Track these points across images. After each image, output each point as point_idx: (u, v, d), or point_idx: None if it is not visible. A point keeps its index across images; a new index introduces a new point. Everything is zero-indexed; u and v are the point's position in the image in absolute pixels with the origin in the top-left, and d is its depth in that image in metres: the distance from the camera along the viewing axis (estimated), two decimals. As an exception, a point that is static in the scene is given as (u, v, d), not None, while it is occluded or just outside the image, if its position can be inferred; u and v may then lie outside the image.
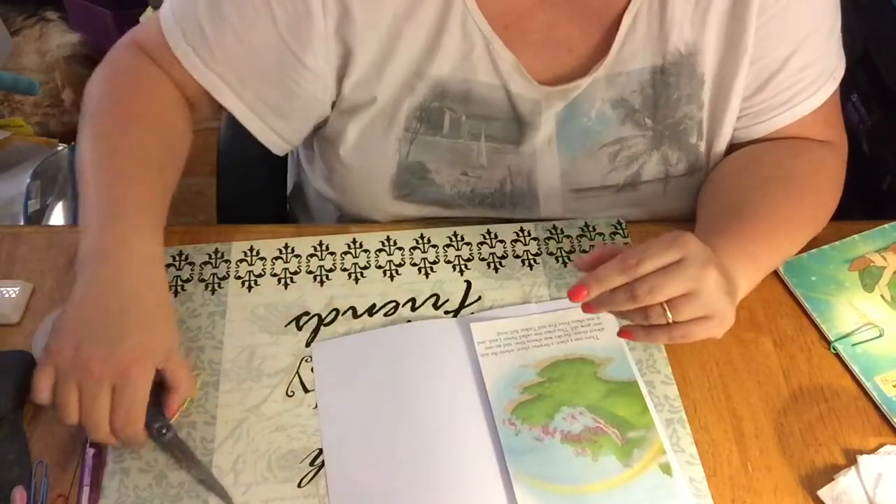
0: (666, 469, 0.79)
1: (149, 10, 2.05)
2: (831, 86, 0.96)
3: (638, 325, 0.77)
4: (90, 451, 0.79)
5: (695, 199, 0.99)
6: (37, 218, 1.76)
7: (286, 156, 1.28)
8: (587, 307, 0.77)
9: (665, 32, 0.90)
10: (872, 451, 0.81)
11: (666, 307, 0.74)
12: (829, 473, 0.80)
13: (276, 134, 0.96)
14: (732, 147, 0.99)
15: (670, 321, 0.74)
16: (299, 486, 0.78)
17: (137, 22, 1.16)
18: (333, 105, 0.95)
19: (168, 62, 0.91)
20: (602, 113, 0.94)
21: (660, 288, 0.73)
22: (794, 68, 0.93)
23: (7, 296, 0.91)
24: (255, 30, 0.87)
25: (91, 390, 0.74)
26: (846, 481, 0.78)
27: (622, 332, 0.78)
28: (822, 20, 0.93)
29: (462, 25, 0.88)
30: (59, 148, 1.88)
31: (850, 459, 0.80)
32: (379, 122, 0.94)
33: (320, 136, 1.00)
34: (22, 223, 1.67)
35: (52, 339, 0.77)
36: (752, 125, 0.97)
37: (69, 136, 2.17)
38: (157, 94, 0.91)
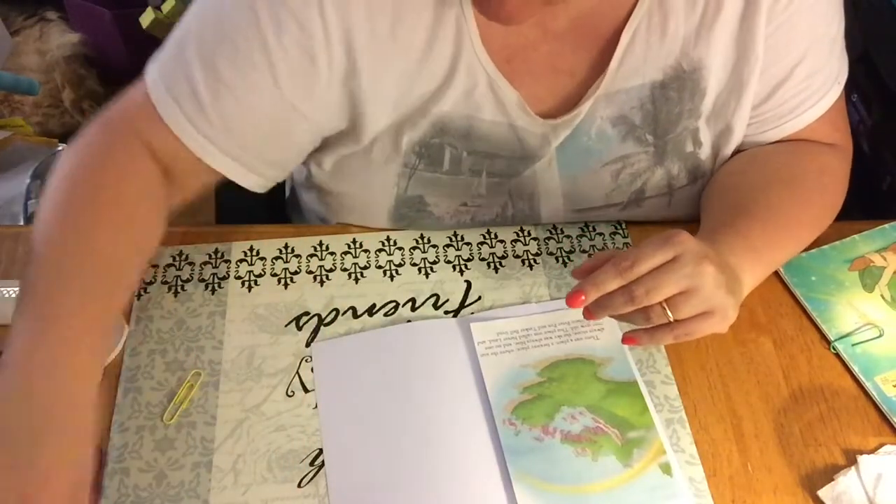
0: (666, 469, 0.79)
1: (149, 10, 2.05)
2: (837, 90, 0.96)
3: (641, 329, 0.77)
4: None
5: (699, 205, 0.98)
6: (37, 218, 1.76)
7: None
8: (587, 313, 0.77)
9: (666, 48, 0.88)
10: (872, 451, 0.81)
11: (666, 306, 0.74)
12: (829, 473, 0.80)
13: (265, 178, 0.91)
14: (737, 150, 0.99)
15: (671, 320, 0.74)
16: (299, 485, 0.78)
17: (137, 22, 1.16)
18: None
19: (155, 132, 0.83)
20: (602, 131, 0.92)
21: (657, 287, 0.73)
22: (800, 76, 0.92)
23: (7, 296, 0.91)
24: (255, 89, 0.82)
25: None
26: (846, 481, 0.78)
27: (626, 339, 0.78)
28: (827, 27, 0.92)
29: (467, 64, 0.85)
30: (59, 148, 1.88)
31: (850, 459, 0.80)
32: (378, 155, 0.92)
33: (315, 161, 0.97)
34: (22, 223, 1.67)
35: None
36: (761, 132, 0.97)
37: (69, 136, 2.14)
38: (131, 178, 0.83)
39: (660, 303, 0.74)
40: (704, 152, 0.96)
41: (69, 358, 0.70)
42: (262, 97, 0.82)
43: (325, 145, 0.93)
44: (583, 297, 0.75)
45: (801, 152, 0.96)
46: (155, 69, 0.84)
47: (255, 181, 0.90)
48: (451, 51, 0.84)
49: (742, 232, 0.85)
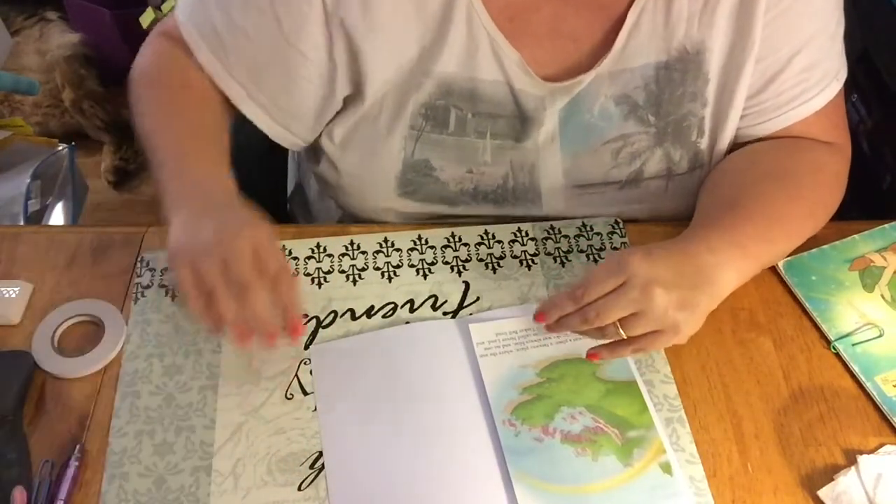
0: (666, 468, 0.79)
1: (149, 9, 2.05)
2: (835, 87, 0.96)
3: (601, 345, 0.84)
4: (73, 465, 0.78)
5: (694, 200, 0.98)
6: (37, 218, 1.76)
7: (286, 157, 1.28)
8: (549, 328, 0.85)
9: (671, 28, 0.90)
10: (872, 451, 0.81)
11: (618, 325, 0.80)
12: (829, 473, 0.80)
13: (293, 134, 0.98)
14: (735, 146, 0.99)
15: (625, 337, 0.81)
16: (299, 489, 0.78)
17: (137, 22, 1.16)
18: (345, 100, 0.96)
19: (195, 63, 0.94)
20: (605, 109, 0.94)
21: (606, 311, 0.80)
22: (797, 68, 0.93)
23: (7, 296, 0.91)
24: (262, 32, 0.89)
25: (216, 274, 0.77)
26: (846, 481, 0.78)
27: (589, 355, 0.85)
28: (826, 21, 0.93)
29: (468, 22, 0.88)
30: (59, 148, 1.88)
31: (850, 459, 0.80)
32: (385, 119, 0.94)
33: (327, 133, 0.99)
34: (22, 223, 1.67)
35: (170, 262, 0.81)
36: (756, 124, 0.97)
37: (69, 136, 2.17)
38: (195, 80, 0.95)
39: (613, 323, 0.80)
40: (705, 142, 0.97)
41: (218, 182, 0.87)
42: (269, 39, 0.89)
43: (335, 116, 0.97)
44: (544, 318, 0.84)
45: (795, 149, 0.96)
46: (184, 11, 0.94)
47: (279, 133, 0.97)
48: (444, 2, 0.87)
49: (728, 227, 0.87)
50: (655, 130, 0.96)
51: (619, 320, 0.80)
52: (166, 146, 0.90)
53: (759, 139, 0.98)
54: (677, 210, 1.01)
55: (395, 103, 0.93)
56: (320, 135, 1.00)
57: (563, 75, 0.92)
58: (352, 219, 1.06)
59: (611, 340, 0.83)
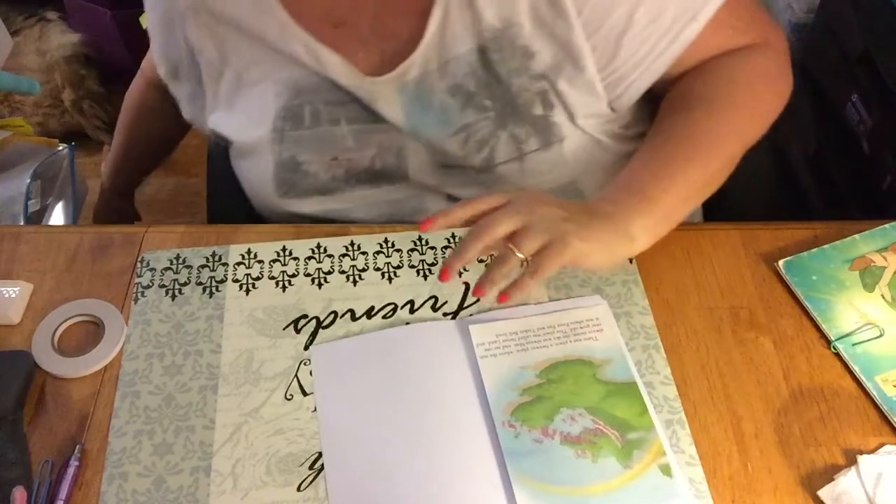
0: (666, 470, 0.79)
1: (148, 9, 2.05)
2: (710, 8, 0.91)
3: (508, 287, 0.81)
4: (73, 465, 0.79)
5: (559, 173, 0.99)
6: (37, 218, 1.76)
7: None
8: (445, 272, 0.82)
9: (477, 11, 0.89)
10: (872, 451, 0.81)
11: (513, 248, 0.80)
12: (829, 473, 0.80)
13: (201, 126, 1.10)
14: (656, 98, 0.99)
15: (521, 257, 0.80)
16: (299, 489, 0.78)
17: (137, 22, 1.19)
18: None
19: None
20: (444, 103, 0.95)
21: (494, 222, 0.80)
22: (642, 22, 0.90)
23: (7, 296, 0.91)
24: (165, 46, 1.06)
25: None
26: (846, 481, 0.78)
27: (500, 299, 0.82)
28: None
29: (284, 37, 0.94)
30: (59, 148, 1.87)
31: (850, 459, 0.80)
32: (252, 127, 1.01)
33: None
34: (22, 223, 1.67)
35: None
36: (647, 69, 0.95)
37: (69, 136, 2.17)
38: (138, 96, 1.32)
39: (507, 247, 0.80)
40: (559, 115, 0.96)
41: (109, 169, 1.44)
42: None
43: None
44: (431, 223, 0.82)
45: (702, 73, 0.96)
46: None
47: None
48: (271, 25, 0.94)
49: (624, 176, 0.89)
50: (494, 114, 0.96)
51: (512, 243, 0.80)
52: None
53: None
54: (544, 186, 1.00)
55: (257, 112, 1.00)
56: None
57: (387, 69, 0.95)
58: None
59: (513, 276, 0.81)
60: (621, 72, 0.94)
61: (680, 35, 0.92)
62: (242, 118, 1.02)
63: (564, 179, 1.00)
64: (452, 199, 1.03)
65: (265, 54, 0.96)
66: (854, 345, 0.88)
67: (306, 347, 0.88)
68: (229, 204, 1.19)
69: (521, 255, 0.79)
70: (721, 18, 0.92)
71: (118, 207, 1.49)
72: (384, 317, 0.91)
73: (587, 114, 0.97)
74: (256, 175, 1.05)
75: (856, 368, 0.86)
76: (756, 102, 0.95)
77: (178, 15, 0.99)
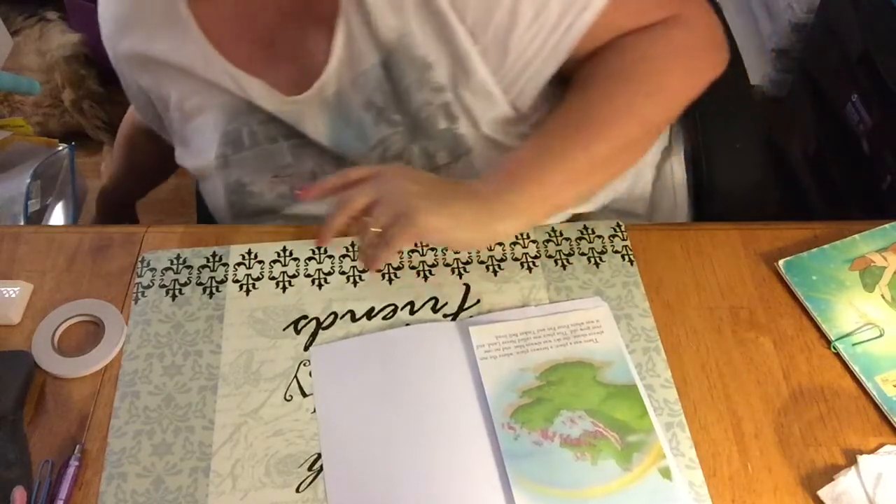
0: (665, 473, 0.78)
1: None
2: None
3: (364, 257, 0.86)
4: (73, 465, 0.79)
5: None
6: (37, 218, 1.76)
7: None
8: (304, 194, 0.90)
9: (374, 25, 0.90)
10: (872, 451, 0.81)
11: (368, 220, 0.84)
12: (829, 473, 0.80)
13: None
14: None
15: (374, 228, 0.83)
16: (298, 490, 0.78)
17: None
18: None
19: None
20: (360, 118, 0.96)
21: (352, 195, 0.85)
22: (527, 19, 0.88)
23: (7, 296, 0.91)
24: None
25: None
26: (846, 481, 0.78)
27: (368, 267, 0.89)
28: None
29: (205, 68, 0.97)
30: (59, 148, 1.87)
31: (850, 459, 0.80)
32: (200, 158, 1.04)
33: None
34: (22, 223, 1.67)
35: None
36: (528, 79, 0.94)
37: (69, 136, 2.17)
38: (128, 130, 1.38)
39: (364, 220, 0.85)
40: (464, 126, 0.95)
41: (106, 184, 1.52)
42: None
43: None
44: (306, 191, 0.90)
45: (608, 49, 0.93)
46: None
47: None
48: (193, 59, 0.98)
49: (507, 160, 0.89)
50: (404, 128, 0.96)
51: (368, 215, 0.84)
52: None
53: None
54: None
55: (204, 141, 1.03)
56: None
57: (308, 89, 0.96)
58: None
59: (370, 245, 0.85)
60: (516, 70, 0.92)
61: (571, 28, 0.89)
62: (193, 150, 1.05)
63: None
64: None
65: (197, 85, 0.99)
66: (854, 345, 0.88)
67: (306, 348, 0.88)
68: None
69: (373, 228, 0.83)
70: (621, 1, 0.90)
71: (118, 213, 1.53)
72: (384, 318, 0.91)
73: (491, 120, 0.96)
74: (212, 201, 1.08)
75: (856, 368, 0.86)
76: (664, 80, 0.91)
77: (123, 61, 1.06)
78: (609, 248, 0.97)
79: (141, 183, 1.52)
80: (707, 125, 1.12)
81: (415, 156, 0.97)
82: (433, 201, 0.83)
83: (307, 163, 1.01)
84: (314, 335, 0.89)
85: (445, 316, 0.91)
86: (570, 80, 0.95)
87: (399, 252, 0.96)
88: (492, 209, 0.84)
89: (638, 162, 0.99)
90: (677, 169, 1.14)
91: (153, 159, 1.16)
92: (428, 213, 0.81)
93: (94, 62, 2.33)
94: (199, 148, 1.04)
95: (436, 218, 0.82)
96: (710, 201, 1.12)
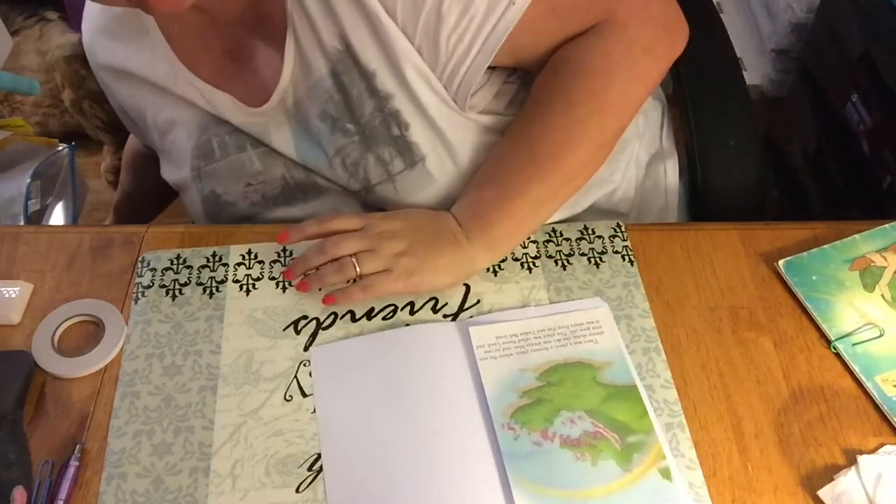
0: (665, 474, 0.78)
1: (148, 9, 2.05)
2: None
3: (335, 291, 0.89)
4: (73, 465, 0.79)
5: (431, 190, 0.98)
6: (37, 218, 1.76)
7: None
8: (284, 237, 0.92)
9: (318, 35, 0.91)
10: (872, 451, 0.81)
11: (355, 262, 0.87)
12: (829, 473, 0.80)
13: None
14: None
15: (358, 272, 0.87)
16: (297, 490, 0.78)
17: None
18: None
19: None
20: (318, 129, 0.97)
21: (343, 242, 0.88)
22: (454, 15, 0.88)
23: (7, 296, 0.91)
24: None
25: None
26: (846, 481, 0.78)
27: (325, 300, 0.89)
28: None
29: (175, 82, 1.00)
30: (59, 148, 1.87)
31: (850, 459, 0.80)
32: (175, 169, 1.07)
33: None
34: (22, 223, 1.66)
35: None
36: (462, 77, 0.92)
37: (69, 136, 2.17)
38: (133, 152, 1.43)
39: (350, 257, 0.88)
40: (415, 133, 0.95)
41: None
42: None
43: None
44: (286, 235, 0.91)
45: (555, 64, 0.93)
46: None
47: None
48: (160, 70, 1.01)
49: (469, 195, 0.94)
50: (359, 137, 0.96)
51: (356, 259, 0.88)
52: None
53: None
54: (424, 205, 0.99)
55: (178, 151, 1.05)
56: None
57: (265, 100, 0.98)
58: None
59: (345, 285, 0.89)
60: (450, 68, 0.91)
61: (498, 24, 0.88)
62: (174, 163, 1.08)
63: (442, 195, 0.98)
64: (367, 206, 1.03)
65: (168, 99, 1.02)
66: (854, 345, 0.88)
67: (306, 348, 0.88)
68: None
69: (358, 271, 0.87)
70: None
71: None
72: (384, 318, 0.91)
73: (448, 124, 0.95)
74: (192, 213, 1.10)
75: (856, 368, 0.86)
76: (603, 98, 0.91)
77: (102, 72, 1.09)
78: (609, 249, 0.97)
79: (151, 203, 1.52)
80: (702, 125, 1.12)
81: (370, 164, 0.97)
82: (417, 259, 0.88)
83: (276, 170, 1.02)
84: (314, 335, 0.89)
85: (445, 316, 0.91)
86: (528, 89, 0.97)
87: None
88: (468, 254, 0.90)
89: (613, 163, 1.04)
90: (671, 172, 1.14)
91: (157, 181, 1.16)
92: (410, 274, 0.88)
93: (93, 62, 2.32)
94: (177, 161, 1.06)
95: (418, 277, 0.88)
96: (705, 202, 1.12)
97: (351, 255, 0.88)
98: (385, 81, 0.92)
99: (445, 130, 0.95)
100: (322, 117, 0.96)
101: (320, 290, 0.92)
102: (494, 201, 0.91)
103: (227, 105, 0.99)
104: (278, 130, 0.99)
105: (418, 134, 0.95)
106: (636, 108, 0.96)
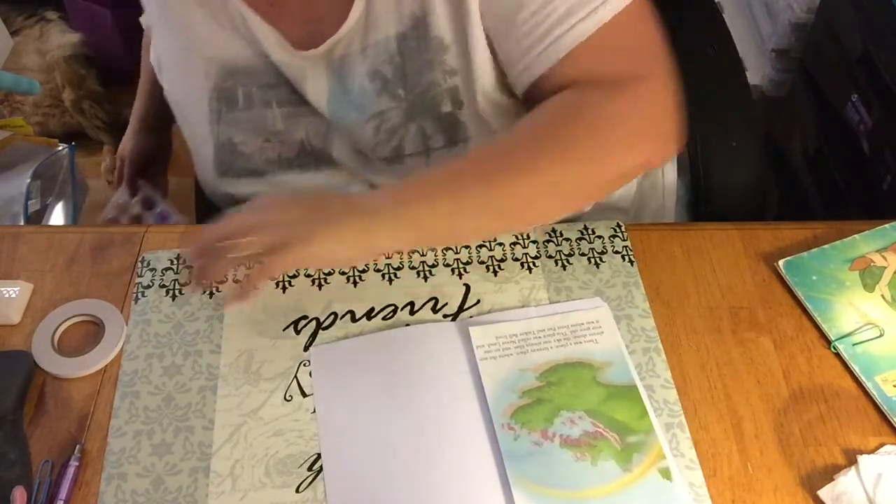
0: (665, 474, 0.78)
1: (148, 9, 2.05)
2: (608, 10, 0.84)
3: (239, 286, 0.84)
4: (73, 465, 0.79)
5: None
6: (37, 218, 1.76)
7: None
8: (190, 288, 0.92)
9: None
10: (872, 451, 0.81)
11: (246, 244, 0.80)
12: (829, 473, 0.80)
13: None
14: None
15: (257, 249, 0.79)
16: (297, 490, 0.78)
17: (137, 22, 1.18)
18: None
19: None
20: (363, 87, 0.95)
21: (237, 225, 0.80)
22: (536, 4, 0.85)
23: (7, 296, 0.91)
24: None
25: None
26: (846, 481, 0.78)
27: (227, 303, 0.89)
28: None
29: (223, 7, 0.95)
30: (59, 148, 1.88)
31: (850, 459, 0.80)
32: (189, 108, 1.05)
33: None
34: (22, 223, 1.67)
35: None
36: (521, 73, 0.90)
37: (69, 136, 2.17)
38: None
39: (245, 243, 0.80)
40: (465, 114, 0.95)
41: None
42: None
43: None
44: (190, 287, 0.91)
45: (559, 101, 0.87)
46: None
47: None
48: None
49: (415, 176, 0.87)
50: (406, 104, 0.95)
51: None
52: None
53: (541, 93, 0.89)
54: None
55: (193, 92, 1.02)
56: None
57: (316, 47, 0.95)
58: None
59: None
60: (514, 56, 0.89)
61: (574, 28, 0.85)
62: (178, 79, 1.06)
63: None
64: (373, 186, 1.03)
65: (202, 18, 0.97)
66: (854, 345, 0.88)
67: (306, 348, 0.88)
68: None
69: (257, 248, 0.80)
70: (602, 35, 0.85)
71: (151, 142, 1.37)
72: (384, 318, 0.91)
73: (494, 112, 0.94)
74: (201, 157, 1.07)
75: (856, 368, 0.86)
76: (601, 156, 0.85)
77: None
78: (609, 249, 0.97)
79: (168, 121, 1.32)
80: (703, 125, 1.12)
81: (410, 134, 0.97)
82: (312, 225, 0.80)
83: (298, 133, 1.01)
84: (314, 335, 0.89)
85: (445, 316, 0.91)
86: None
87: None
88: (372, 224, 0.81)
89: None
90: (669, 173, 1.14)
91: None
92: (306, 242, 0.79)
93: (94, 62, 2.33)
94: (186, 89, 1.05)
95: (316, 246, 0.79)
96: (706, 202, 1.12)
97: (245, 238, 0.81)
98: (453, 57, 0.92)
99: (494, 117, 0.95)
100: (372, 77, 0.95)
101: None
102: (426, 186, 0.84)
103: (270, 39, 0.95)
104: (315, 79, 0.97)
105: (469, 115, 0.95)
106: (613, 180, 0.88)
